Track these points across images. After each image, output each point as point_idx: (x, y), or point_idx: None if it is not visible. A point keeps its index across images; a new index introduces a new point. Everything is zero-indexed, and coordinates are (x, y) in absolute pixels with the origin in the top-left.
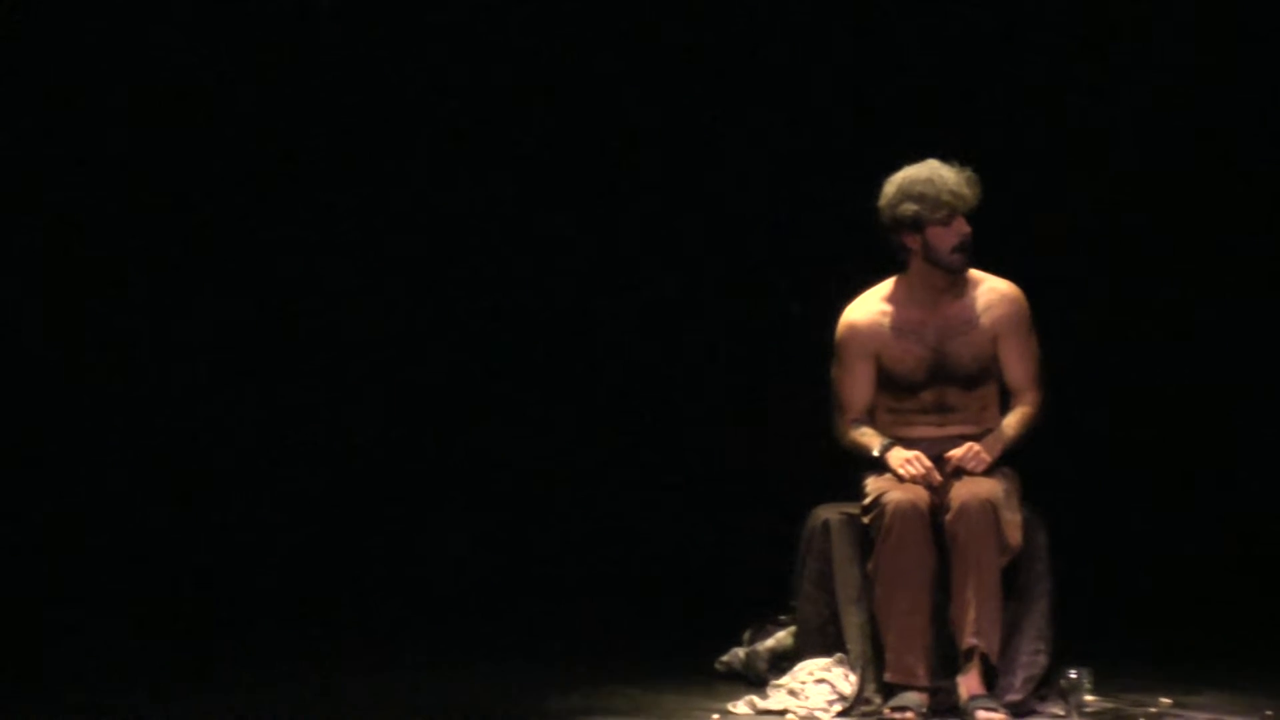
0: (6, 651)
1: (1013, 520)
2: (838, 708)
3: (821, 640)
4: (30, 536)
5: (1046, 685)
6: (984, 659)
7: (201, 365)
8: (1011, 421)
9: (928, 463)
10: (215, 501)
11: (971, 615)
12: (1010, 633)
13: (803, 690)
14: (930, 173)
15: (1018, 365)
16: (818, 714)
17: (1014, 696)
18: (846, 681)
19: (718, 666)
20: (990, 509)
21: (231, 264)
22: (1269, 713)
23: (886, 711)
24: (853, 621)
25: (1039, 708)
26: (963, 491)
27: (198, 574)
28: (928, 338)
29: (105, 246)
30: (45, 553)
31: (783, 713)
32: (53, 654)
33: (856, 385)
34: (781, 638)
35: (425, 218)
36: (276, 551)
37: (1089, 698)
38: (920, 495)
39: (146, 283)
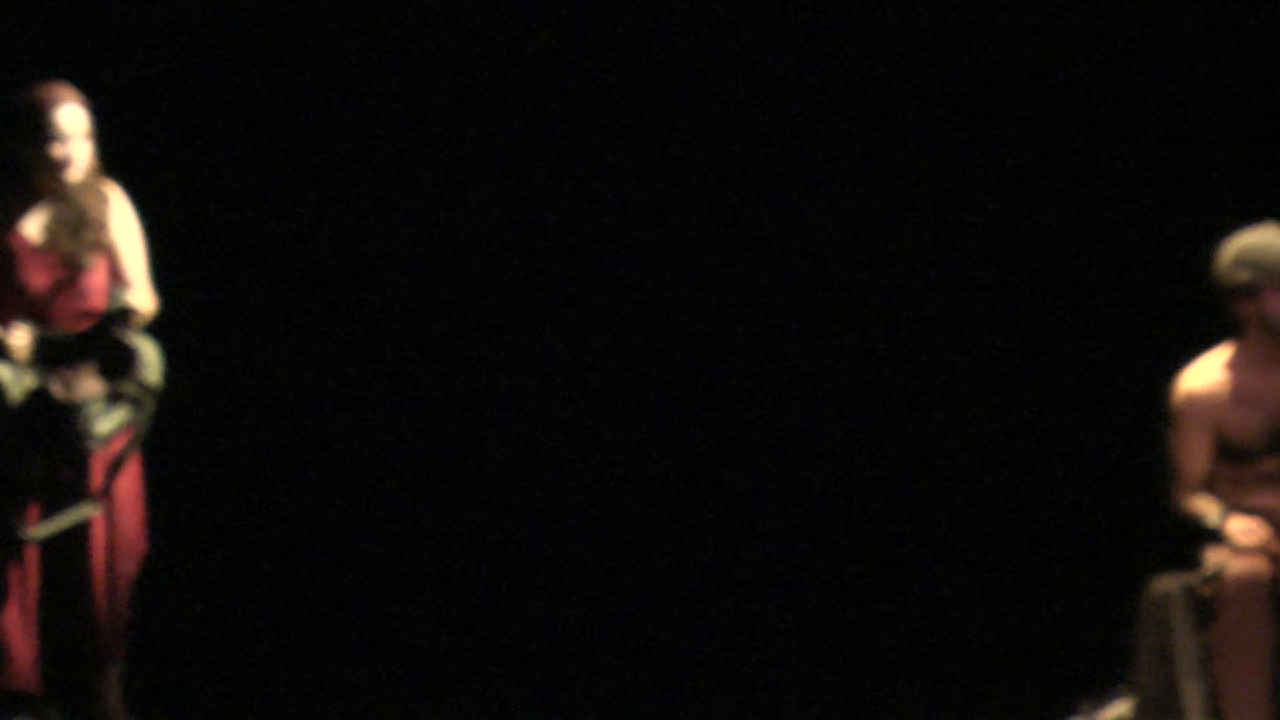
0: None
1: None
2: None
3: (1160, 712)
4: None
5: None
6: None
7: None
8: None
9: (1268, 531)
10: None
11: None
12: None
13: None
14: (1268, 239)
15: None
16: None
17: None
18: None
19: None
20: None
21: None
22: None
23: None
24: (1192, 693)
25: None
26: None
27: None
28: (1267, 406)
29: None
30: None
31: None
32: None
33: (1194, 454)
34: (1120, 709)
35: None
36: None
37: None
38: (1261, 566)
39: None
